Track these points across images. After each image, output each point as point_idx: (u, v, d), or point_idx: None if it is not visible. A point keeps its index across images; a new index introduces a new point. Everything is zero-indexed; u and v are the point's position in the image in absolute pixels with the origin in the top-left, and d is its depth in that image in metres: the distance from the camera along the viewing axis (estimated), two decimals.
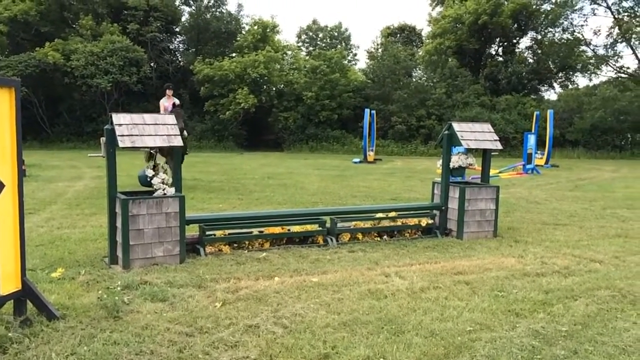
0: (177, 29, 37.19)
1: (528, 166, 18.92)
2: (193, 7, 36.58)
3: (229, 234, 6.45)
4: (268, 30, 35.76)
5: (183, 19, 37.00)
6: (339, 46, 43.08)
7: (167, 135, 5.75)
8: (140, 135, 5.61)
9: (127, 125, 5.60)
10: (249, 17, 37.83)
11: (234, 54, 34.83)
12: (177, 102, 12.29)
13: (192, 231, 6.52)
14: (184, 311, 4.29)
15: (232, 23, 36.36)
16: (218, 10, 36.80)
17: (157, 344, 3.68)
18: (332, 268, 5.72)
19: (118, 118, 5.64)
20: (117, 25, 32.67)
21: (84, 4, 32.97)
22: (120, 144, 5.43)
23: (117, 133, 5.49)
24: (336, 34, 46.50)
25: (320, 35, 46.74)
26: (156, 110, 13.26)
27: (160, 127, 5.76)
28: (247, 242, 6.50)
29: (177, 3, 36.35)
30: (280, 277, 5.28)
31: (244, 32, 36.35)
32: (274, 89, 34.07)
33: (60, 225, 7.79)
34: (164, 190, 5.80)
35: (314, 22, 46.59)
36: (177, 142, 5.76)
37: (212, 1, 36.81)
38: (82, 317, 4.11)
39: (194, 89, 33.13)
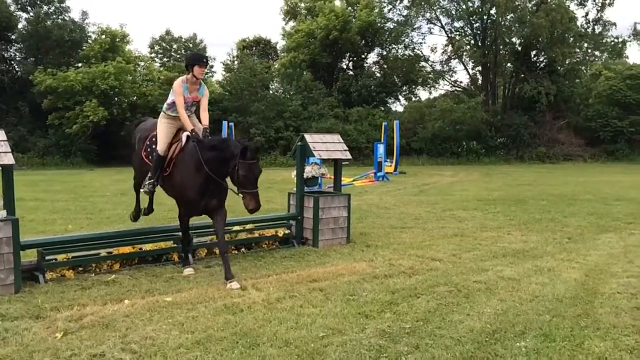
0: (13, 37, 33.88)
1: (379, 174, 20.06)
2: (31, 14, 33.62)
3: (73, 257, 5.99)
4: (117, 40, 34.03)
5: (20, 25, 33.80)
6: None
7: None
8: None
9: None
10: (96, 26, 35.52)
11: (80, 64, 32.62)
12: (206, 122, 6.15)
13: (31, 257, 5.97)
14: (17, 346, 3.90)
15: (76, 31, 33.98)
16: (60, 17, 34.21)
17: None
18: (187, 286, 5.57)
19: None
20: None
21: None
22: None
23: None
24: (191, 45, 45.61)
25: (175, 46, 45.50)
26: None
27: None
28: (94, 265, 6.08)
29: (12, 9, 33.12)
30: (130, 300, 5.02)
31: (90, 41, 34.20)
32: (126, 101, 32.46)
33: None
34: None
35: (167, 32, 45.28)
36: (8, 160, 5.24)
37: (53, 8, 34.16)
38: None
39: (35, 101, 30.42)
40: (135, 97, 32.89)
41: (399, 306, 4.96)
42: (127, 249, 6.34)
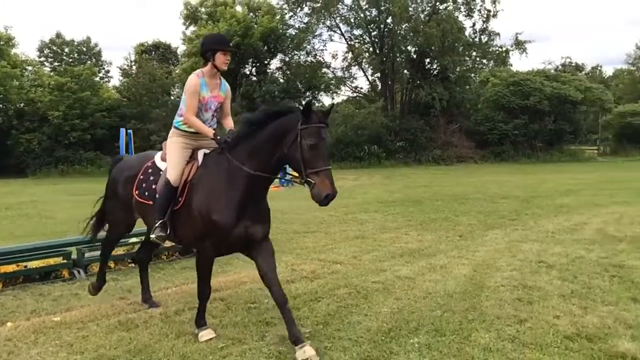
0: None
1: (283, 180, 20.11)
2: None
3: None
4: (2, 43, 31.71)
5: None
6: (89, 62, 40.21)
7: None
8: None
9: None
10: None
11: None
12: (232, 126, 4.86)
13: None
14: None
15: None
16: None
17: None
18: (77, 303, 5.28)
19: None
20: None
21: None
22: None
23: None
24: (85, 49, 43.34)
25: (67, 49, 42.99)
26: None
27: None
28: None
29: None
30: (13, 322, 4.70)
31: None
32: (12, 108, 30.28)
33: None
34: None
35: (58, 35, 42.68)
36: None
37: None
38: None
39: None
40: (22, 104, 30.84)
41: (300, 311, 5.01)
42: (10, 268, 5.91)
